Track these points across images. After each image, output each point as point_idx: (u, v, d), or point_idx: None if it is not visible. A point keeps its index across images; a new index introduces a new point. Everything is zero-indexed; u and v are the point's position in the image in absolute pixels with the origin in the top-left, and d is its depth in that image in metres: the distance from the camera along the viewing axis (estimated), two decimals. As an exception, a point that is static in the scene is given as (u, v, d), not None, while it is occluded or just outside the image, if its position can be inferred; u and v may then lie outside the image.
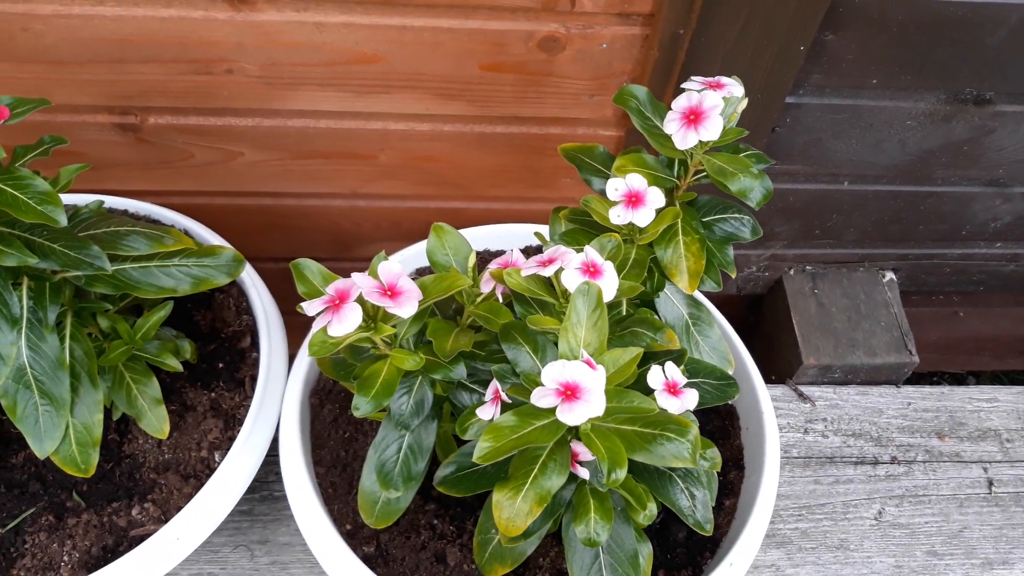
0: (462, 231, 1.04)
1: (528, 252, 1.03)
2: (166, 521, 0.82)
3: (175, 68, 0.88)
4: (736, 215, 0.82)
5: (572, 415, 0.56)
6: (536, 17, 0.85)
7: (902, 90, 0.96)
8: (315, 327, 0.65)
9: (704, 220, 0.80)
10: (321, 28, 0.85)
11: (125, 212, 0.96)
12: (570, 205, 1.08)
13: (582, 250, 0.67)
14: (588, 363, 0.59)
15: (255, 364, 0.93)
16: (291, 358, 0.93)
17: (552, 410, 0.58)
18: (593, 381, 0.57)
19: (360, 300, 0.64)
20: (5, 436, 0.86)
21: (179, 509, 0.82)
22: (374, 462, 0.77)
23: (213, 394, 0.91)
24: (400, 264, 0.67)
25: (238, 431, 0.88)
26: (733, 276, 0.82)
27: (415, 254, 1.03)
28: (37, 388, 0.74)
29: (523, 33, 0.86)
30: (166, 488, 0.84)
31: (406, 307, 0.64)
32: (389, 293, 0.65)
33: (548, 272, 0.66)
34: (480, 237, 1.05)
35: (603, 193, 0.83)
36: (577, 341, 0.62)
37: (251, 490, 1.01)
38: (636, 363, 0.61)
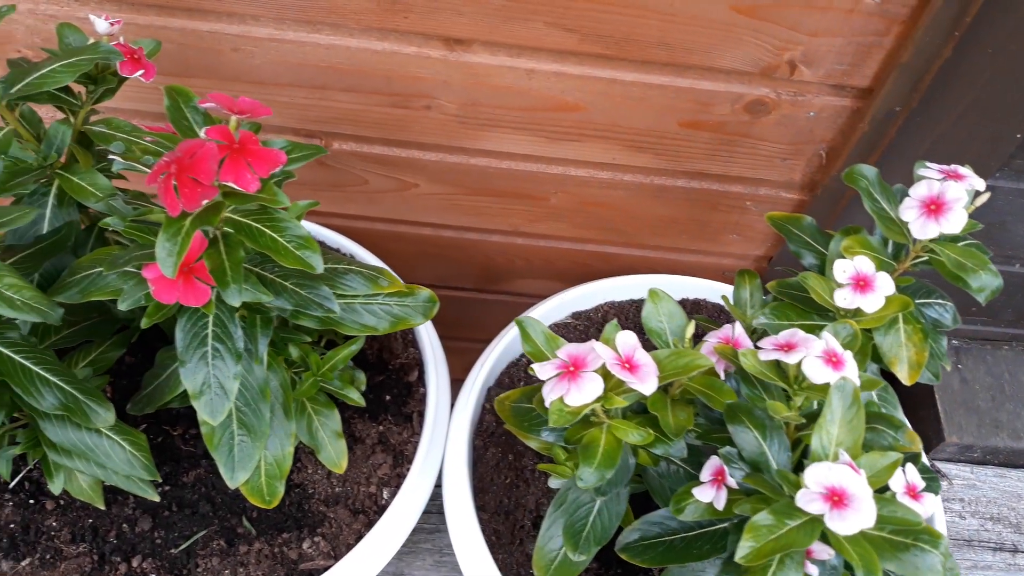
0: (622, 278, 1.03)
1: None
2: (335, 557, 0.81)
3: (374, 99, 0.88)
4: (940, 301, 0.80)
5: (843, 524, 0.54)
6: (750, 81, 0.84)
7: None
8: (547, 393, 0.64)
9: (913, 305, 0.78)
10: (531, 75, 0.84)
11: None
12: (731, 260, 1.07)
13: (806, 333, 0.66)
14: (851, 466, 0.57)
15: (422, 400, 0.92)
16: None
17: (805, 511, 0.56)
18: (860, 488, 0.55)
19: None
20: (175, 454, 0.86)
21: (348, 546, 0.82)
22: (562, 522, 0.76)
23: (381, 427, 0.90)
24: (632, 334, 0.66)
25: (407, 469, 0.87)
26: (948, 369, 0.80)
27: (573, 298, 1.02)
28: (237, 418, 0.73)
29: (733, 95, 0.85)
30: (335, 523, 0.83)
31: (647, 383, 0.63)
32: (627, 365, 0.64)
33: (792, 360, 0.65)
34: (640, 286, 1.04)
35: (813, 268, 0.82)
36: (830, 439, 0.60)
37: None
38: (894, 470, 0.59)
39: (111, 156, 0.60)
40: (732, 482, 0.65)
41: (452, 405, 0.93)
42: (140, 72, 0.69)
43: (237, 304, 0.58)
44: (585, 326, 1.02)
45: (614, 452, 0.67)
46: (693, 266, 1.10)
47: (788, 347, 0.66)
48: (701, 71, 0.83)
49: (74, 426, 0.72)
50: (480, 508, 0.87)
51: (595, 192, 0.98)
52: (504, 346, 0.97)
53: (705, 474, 0.67)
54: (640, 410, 0.71)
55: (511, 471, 0.91)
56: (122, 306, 0.64)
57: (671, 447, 0.69)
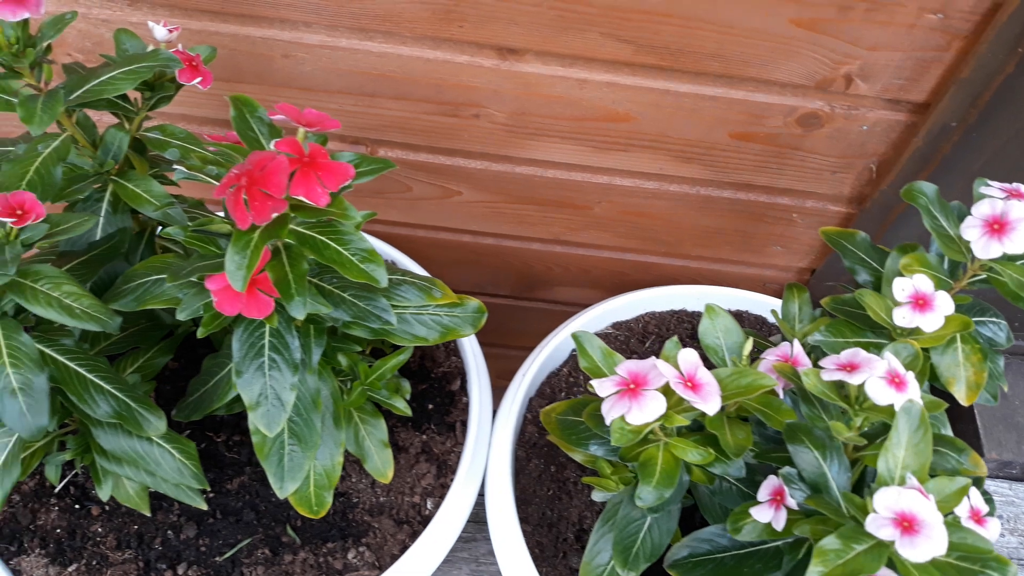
0: (663, 288, 1.03)
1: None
2: (380, 568, 0.81)
3: (423, 107, 0.87)
4: (994, 319, 0.79)
5: (915, 551, 0.53)
6: (804, 94, 0.83)
7: None
8: (608, 411, 0.63)
9: (967, 324, 0.77)
10: (583, 85, 0.83)
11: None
12: (772, 272, 1.06)
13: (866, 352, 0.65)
14: (920, 491, 0.56)
15: (465, 409, 0.92)
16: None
17: (873, 536, 0.56)
18: (930, 514, 0.55)
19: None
20: (219, 460, 0.86)
21: (393, 556, 0.82)
22: (611, 538, 0.76)
23: (424, 436, 0.89)
24: (694, 352, 0.65)
25: (450, 479, 0.86)
26: (1006, 390, 0.79)
27: (614, 308, 1.02)
28: (289, 428, 0.73)
29: (786, 108, 0.84)
30: (380, 533, 0.83)
31: (711, 403, 0.62)
32: (690, 384, 0.63)
33: (855, 381, 0.64)
34: (681, 296, 1.03)
35: (867, 284, 0.81)
36: (896, 463, 0.59)
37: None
38: (962, 496, 0.58)
39: (175, 166, 0.60)
40: (792, 503, 0.65)
41: (493, 414, 0.92)
42: (198, 79, 0.69)
43: (302, 317, 0.58)
44: (626, 336, 1.02)
45: (672, 471, 0.66)
46: (734, 277, 1.09)
47: (851, 367, 0.65)
48: (755, 83, 0.82)
49: (125, 433, 0.72)
50: (523, 520, 0.87)
51: (639, 202, 0.98)
52: (545, 356, 0.96)
53: (763, 493, 0.67)
54: (695, 427, 0.71)
55: (553, 483, 0.90)
56: (180, 316, 0.64)
57: (729, 466, 0.68)
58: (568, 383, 0.97)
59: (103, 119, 0.73)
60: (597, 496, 0.81)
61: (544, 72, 0.82)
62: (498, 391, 0.93)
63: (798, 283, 0.86)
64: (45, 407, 0.62)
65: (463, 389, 0.93)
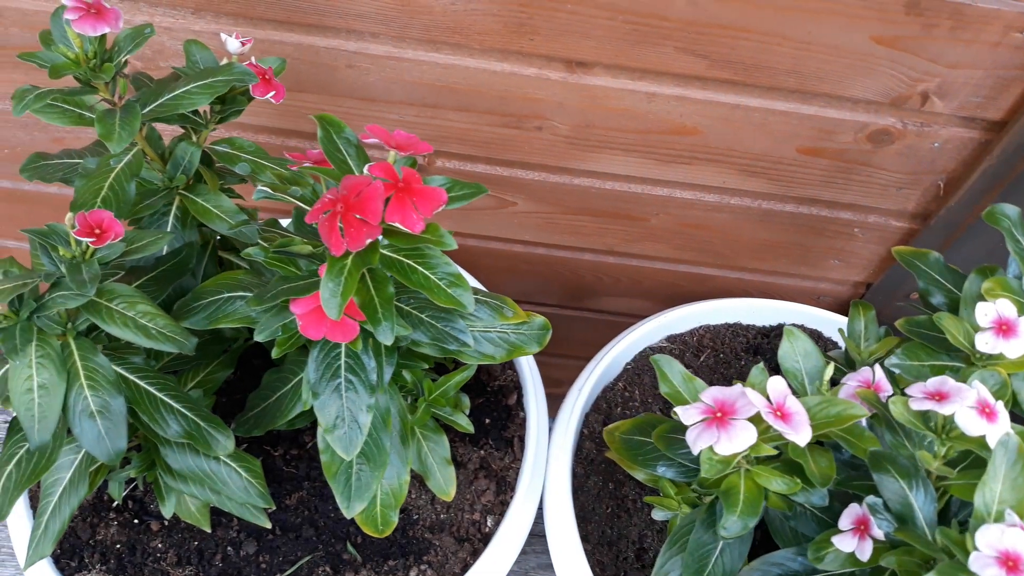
0: (718, 301, 1.01)
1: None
2: (442, 587, 0.80)
3: (486, 119, 0.86)
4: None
5: (1022, 593, 0.52)
6: (877, 111, 0.81)
7: None
8: (694, 440, 0.62)
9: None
10: (652, 98, 0.82)
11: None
12: (827, 285, 1.05)
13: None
14: (1023, 529, 0.55)
15: (522, 424, 0.91)
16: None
17: (973, 573, 0.54)
18: (1035, 553, 0.53)
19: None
20: (277, 475, 0.85)
21: (455, 575, 0.80)
22: (679, 561, 0.75)
23: (482, 452, 0.88)
24: (782, 380, 0.64)
25: (510, 496, 0.85)
26: (1087, 416, 0.78)
27: (669, 321, 1.00)
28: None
29: (857, 124, 0.83)
30: (441, 551, 0.82)
31: (802, 433, 0.61)
32: (779, 414, 0.62)
33: (945, 411, 0.62)
34: (736, 310, 1.02)
35: (941, 306, 0.79)
36: (993, 497, 0.58)
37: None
38: (1065, 533, 0.57)
39: (260, 187, 0.58)
40: (879, 533, 0.63)
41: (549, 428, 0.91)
42: (271, 93, 0.68)
43: (390, 342, 0.57)
44: (680, 350, 1.00)
45: (756, 500, 0.65)
46: (788, 290, 1.07)
47: (940, 396, 0.64)
48: (828, 99, 0.81)
49: (193, 452, 0.71)
50: (583, 538, 0.85)
51: (698, 214, 0.96)
52: (601, 371, 0.95)
53: (844, 522, 0.66)
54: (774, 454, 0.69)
55: (612, 500, 0.89)
56: (259, 337, 0.63)
57: (812, 495, 0.67)
58: (624, 398, 0.96)
59: (167, 131, 0.71)
60: (658, 515, 0.80)
61: (612, 85, 0.81)
62: (547, 400, 0.91)
63: (864, 302, 0.84)
64: (123, 430, 0.61)
65: (519, 403, 0.92)
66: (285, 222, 0.82)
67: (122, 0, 0.78)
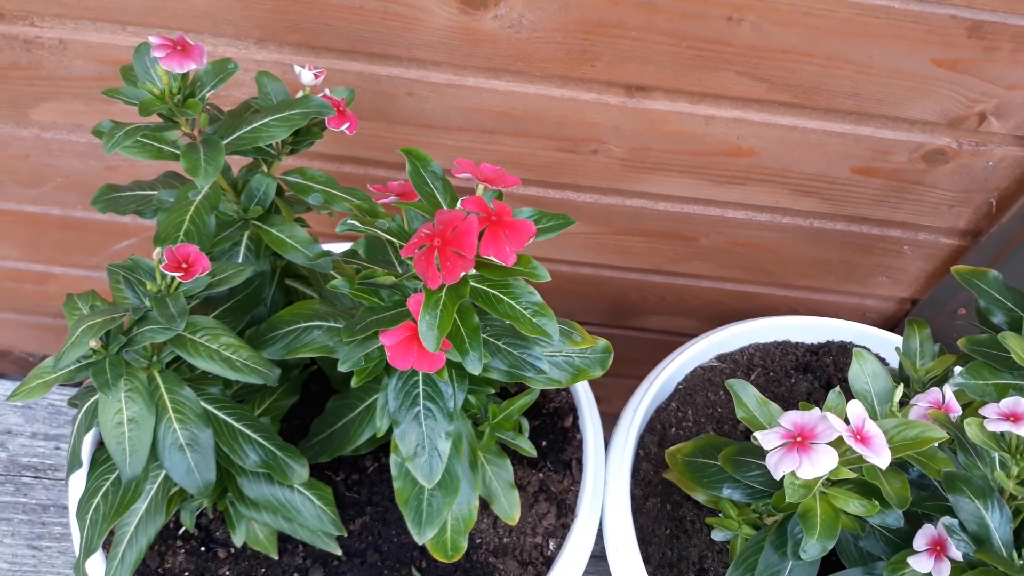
0: (767, 320, 1.02)
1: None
2: (508, 610, 0.80)
3: (542, 143, 0.87)
4: None
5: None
6: (933, 131, 0.82)
7: None
8: (775, 465, 0.62)
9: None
10: (709, 121, 0.82)
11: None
12: (873, 301, 1.05)
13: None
14: (1110, 552, 0.55)
15: (579, 446, 0.91)
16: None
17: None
18: None
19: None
20: (340, 501, 0.85)
21: (519, 599, 0.81)
22: (751, 584, 0.75)
23: (541, 475, 0.89)
24: (860, 404, 0.64)
25: (570, 519, 0.86)
26: None
27: (719, 341, 1.01)
28: (430, 475, 0.72)
29: (913, 144, 0.83)
30: (505, 574, 0.82)
31: (882, 456, 0.61)
32: (859, 437, 0.62)
33: (1021, 431, 0.63)
34: (785, 327, 1.02)
35: (1002, 325, 0.80)
36: (1076, 520, 0.59)
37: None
38: None
39: (349, 220, 0.59)
40: (957, 554, 0.64)
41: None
42: (346, 125, 0.68)
43: (478, 372, 0.57)
44: (731, 369, 1.01)
45: (833, 522, 0.65)
46: (833, 306, 1.08)
47: (1014, 417, 0.64)
48: (885, 120, 0.81)
49: (268, 481, 0.71)
50: (644, 560, 0.86)
51: (749, 233, 0.97)
52: (655, 391, 0.95)
53: (920, 543, 0.66)
54: (845, 475, 0.70)
55: (671, 521, 0.89)
56: (343, 368, 0.63)
57: (888, 516, 0.67)
58: (677, 418, 0.97)
59: (234, 159, 0.72)
60: (718, 535, 0.80)
61: (670, 109, 0.82)
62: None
63: (919, 319, 0.85)
64: (212, 462, 0.61)
65: (575, 425, 0.92)
66: (336, 249, 0.83)
67: (187, 32, 0.79)
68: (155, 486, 0.70)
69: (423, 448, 0.65)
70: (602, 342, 0.80)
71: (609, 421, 0.93)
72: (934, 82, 0.77)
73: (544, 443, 0.91)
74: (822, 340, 1.03)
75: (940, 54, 0.74)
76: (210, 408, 0.66)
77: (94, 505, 0.62)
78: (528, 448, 0.83)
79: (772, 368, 1.02)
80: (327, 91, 0.69)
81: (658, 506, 0.90)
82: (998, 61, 0.74)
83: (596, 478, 0.88)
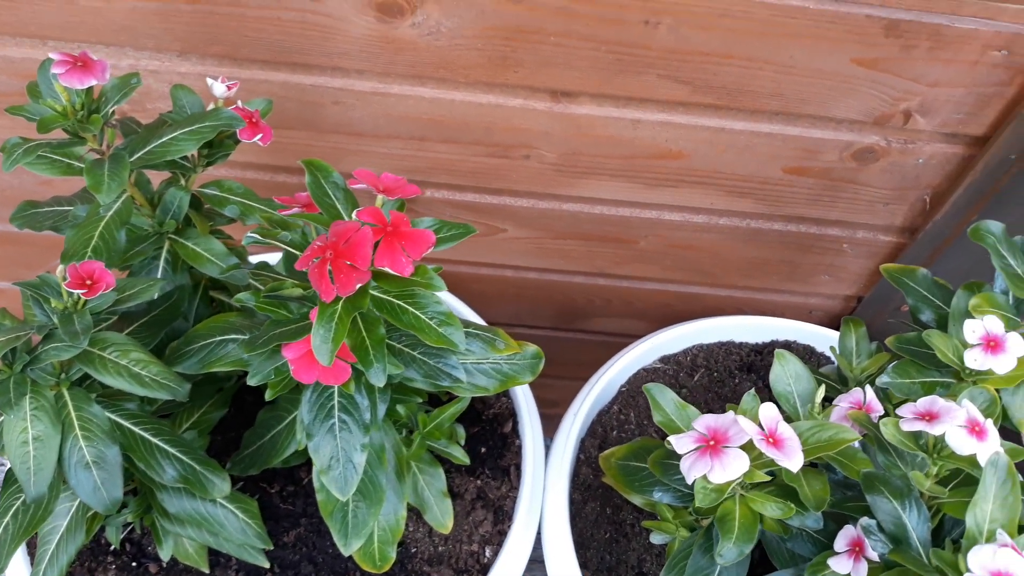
0: (710, 320, 1.02)
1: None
2: (443, 619, 0.80)
3: (472, 150, 0.86)
4: (1059, 355, 0.78)
5: (1016, 615, 0.53)
6: (861, 129, 0.82)
7: None
8: (688, 469, 0.62)
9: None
10: (637, 125, 0.82)
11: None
12: (818, 300, 1.05)
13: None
14: (1013, 549, 0.55)
15: (518, 452, 0.91)
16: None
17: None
18: (1027, 574, 0.54)
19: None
20: (274, 512, 0.85)
21: (454, 607, 0.81)
22: (681, 586, 0.75)
23: (479, 481, 0.88)
24: (773, 406, 0.64)
25: (508, 525, 0.85)
26: (1080, 430, 0.78)
27: (662, 342, 1.01)
28: (354, 486, 0.72)
29: (842, 143, 0.83)
30: (440, 583, 0.82)
31: (794, 460, 0.61)
32: (771, 440, 0.62)
33: (936, 431, 0.63)
34: (729, 328, 1.02)
35: (930, 323, 0.80)
36: (984, 517, 0.59)
37: None
38: (1058, 552, 0.57)
39: (250, 234, 0.58)
40: (873, 555, 0.64)
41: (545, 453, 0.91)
42: (258, 136, 0.68)
43: (382, 384, 0.57)
44: (675, 370, 1.01)
45: (751, 525, 0.65)
46: (779, 305, 1.08)
47: (930, 416, 0.64)
48: (812, 120, 0.81)
49: (189, 496, 0.71)
50: (583, 565, 0.85)
51: (687, 235, 0.97)
52: (596, 394, 0.95)
53: (840, 544, 0.66)
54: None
55: (610, 525, 0.89)
56: (252, 382, 0.63)
57: (807, 518, 0.67)
58: (619, 421, 0.97)
59: (155, 173, 0.72)
60: (656, 539, 0.80)
61: (597, 113, 0.82)
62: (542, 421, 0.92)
63: (855, 318, 0.85)
64: (119, 480, 0.61)
65: (515, 431, 0.92)
66: (275, 260, 0.83)
67: (108, 45, 0.79)
68: (75, 504, 0.70)
69: (337, 461, 0.64)
70: (531, 348, 0.79)
71: (556, 423, 0.93)
72: (856, 81, 0.77)
73: (483, 450, 0.91)
74: (766, 340, 1.03)
75: (860, 53, 0.74)
76: (125, 424, 0.66)
77: (3, 525, 0.62)
78: (461, 456, 0.82)
79: (716, 369, 1.01)
80: (239, 103, 0.68)
81: (597, 510, 0.90)
82: (916, 59, 0.74)
83: (534, 484, 0.87)
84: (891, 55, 0.74)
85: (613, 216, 0.95)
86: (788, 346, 1.03)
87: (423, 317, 0.58)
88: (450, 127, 0.84)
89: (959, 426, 0.63)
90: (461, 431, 0.86)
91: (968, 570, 0.55)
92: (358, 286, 0.53)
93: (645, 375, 1.00)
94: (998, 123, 0.80)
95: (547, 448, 0.92)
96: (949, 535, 0.68)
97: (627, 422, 0.96)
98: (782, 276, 1.03)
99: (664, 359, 1.02)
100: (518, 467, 0.89)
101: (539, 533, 0.86)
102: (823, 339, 1.01)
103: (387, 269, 0.53)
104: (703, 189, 0.90)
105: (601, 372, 0.98)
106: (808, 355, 1.03)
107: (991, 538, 0.59)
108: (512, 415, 0.93)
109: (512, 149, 0.86)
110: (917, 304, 0.79)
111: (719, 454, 0.61)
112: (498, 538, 0.85)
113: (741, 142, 0.84)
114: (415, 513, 0.85)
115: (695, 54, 0.75)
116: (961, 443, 0.62)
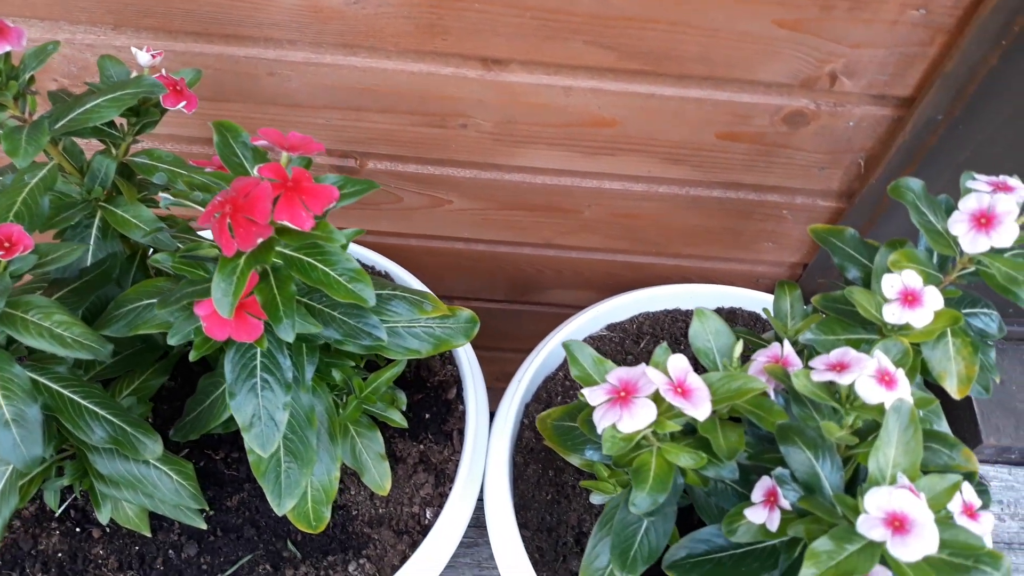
0: (656, 288, 1.03)
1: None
2: (382, 579, 0.81)
3: (409, 119, 0.87)
4: (985, 311, 0.79)
5: (907, 551, 0.54)
6: (789, 93, 0.83)
7: None
8: (599, 419, 0.63)
9: (957, 316, 0.77)
10: (568, 92, 0.83)
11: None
12: (764, 267, 1.06)
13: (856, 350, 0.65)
14: (911, 490, 0.57)
15: (462, 417, 0.92)
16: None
17: (865, 536, 0.56)
18: (922, 513, 0.55)
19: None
20: (218, 478, 0.86)
21: (393, 567, 0.82)
22: (608, 541, 0.76)
23: (422, 446, 0.90)
24: (683, 357, 0.65)
25: (449, 488, 0.87)
26: (998, 382, 0.79)
27: (608, 310, 1.02)
28: (284, 446, 0.73)
29: (772, 107, 0.84)
30: (380, 544, 0.83)
31: (701, 408, 0.62)
32: (680, 390, 0.63)
33: (845, 381, 0.64)
34: (675, 296, 1.04)
35: (856, 281, 0.81)
36: (887, 462, 0.60)
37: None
38: (954, 492, 0.58)
39: (162, 195, 0.60)
40: (786, 503, 0.65)
41: (490, 420, 0.92)
42: (183, 104, 0.69)
43: (291, 339, 0.58)
44: (621, 338, 1.02)
45: (666, 476, 0.67)
46: (726, 274, 1.09)
47: (840, 367, 0.65)
48: (740, 84, 0.82)
49: (122, 458, 0.72)
50: (522, 526, 0.87)
51: (629, 204, 0.98)
52: (541, 361, 0.96)
53: (757, 495, 0.67)
54: (689, 430, 0.71)
55: (552, 487, 0.90)
56: (171, 341, 0.64)
57: (723, 469, 0.68)
58: (564, 387, 0.98)
59: (91, 145, 0.73)
60: (596, 499, 0.82)
61: (529, 81, 0.83)
62: (496, 394, 0.93)
63: (789, 280, 0.86)
64: (39, 437, 0.62)
65: (459, 397, 0.94)
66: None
67: (43, 20, 0.80)
68: (8, 468, 0.71)
69: (259, 419, 0.66)
70: (465, 312, 0.81)
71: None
72: (779, 43, 0.78)
73: (427, 415, 0.92)
74: (712, 307, 1.04)
75: (781, 15, 0.75)
76: (53, 386, 0.67)
77: (-69, 485, 0.63)
78: (399, 420, 0.84)
79: (662, 336, 1.03)
80: (163, 71, 0.70)
81: (539, 472, 0.91)
82: (837, 20, 0.75)
83: (476, 448, 0.89)
84: (811, 16, 0.75)
85: (556, 186, 0.96)
86: (734, 313, 1.05)
87: (332, 273, 0.60)
88: (385, 96, 0.85)
89: (869, 376, 0.64)
90: (402, 396, 0.88)
91: (865, 511, 0.56)
92: (259, 240, 0.54)
93: (592, 343, 1.01)
94: (923, 84, 0.81)
95: (493, 415, 0.93)
96: (863, 483, 0.69)
97: (572, 387, 0.98)
98: (726, 244, 1.04)
99: (611, 327, 1.03)
100: (461, 432, 0.91)
101: (482, 496, 0.88)
102: (767, 303, 1.02)
103: (287, 223, 0.55)
104: (639, 157, 0.91)
105: (547, 339, 0.99)
106: (754, 322, 1.04)
107: (893, 482, 0.60)
108: (457, 382, 0.95)
109: (448, 118, 0.87)
110: (843, 263, 0.80)
111: (628, 404, 0.63)
112: (439, 500, 0.86)
113: (672, 108, 0.85)
114: (357, 478, 0.86)
115: (619, 19, 0.76)
116: (870, 392, 0.63)
